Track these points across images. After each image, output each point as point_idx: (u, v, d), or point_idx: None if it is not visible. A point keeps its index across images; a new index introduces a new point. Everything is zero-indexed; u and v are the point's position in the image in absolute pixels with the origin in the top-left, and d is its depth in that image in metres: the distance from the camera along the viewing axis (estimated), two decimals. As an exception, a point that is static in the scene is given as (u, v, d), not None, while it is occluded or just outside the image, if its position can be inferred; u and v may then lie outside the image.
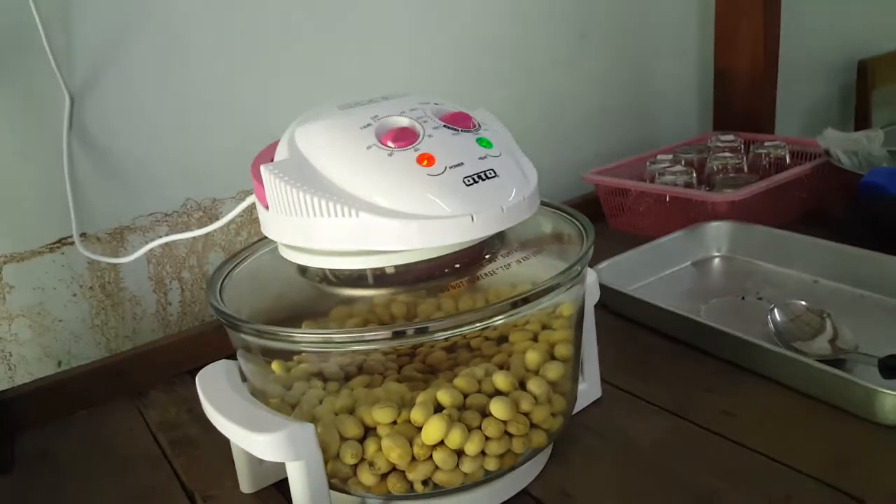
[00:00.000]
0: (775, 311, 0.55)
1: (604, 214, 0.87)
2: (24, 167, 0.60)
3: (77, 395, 0.58)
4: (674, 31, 1.06)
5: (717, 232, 0.72)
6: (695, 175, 0.80)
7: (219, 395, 0.40)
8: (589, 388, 0.50)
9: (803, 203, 0.80)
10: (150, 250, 0.67)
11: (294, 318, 0.43)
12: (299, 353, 0.39)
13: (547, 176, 0.92)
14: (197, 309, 0.71)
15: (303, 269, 0.42)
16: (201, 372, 0.42)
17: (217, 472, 0.47)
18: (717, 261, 0.72)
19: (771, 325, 0.55)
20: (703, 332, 0.54)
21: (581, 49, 0.94)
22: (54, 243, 0.63)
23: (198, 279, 0.70)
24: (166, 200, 0.68)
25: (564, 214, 0.46)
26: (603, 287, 0.62)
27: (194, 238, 0.70)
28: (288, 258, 0.41)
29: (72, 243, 0.63)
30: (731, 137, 0.87)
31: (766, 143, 0.85)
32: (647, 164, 0.85)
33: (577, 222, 0.44)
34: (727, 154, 0.83)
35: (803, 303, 0.55)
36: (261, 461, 0.45)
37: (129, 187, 0.66)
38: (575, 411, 0.49)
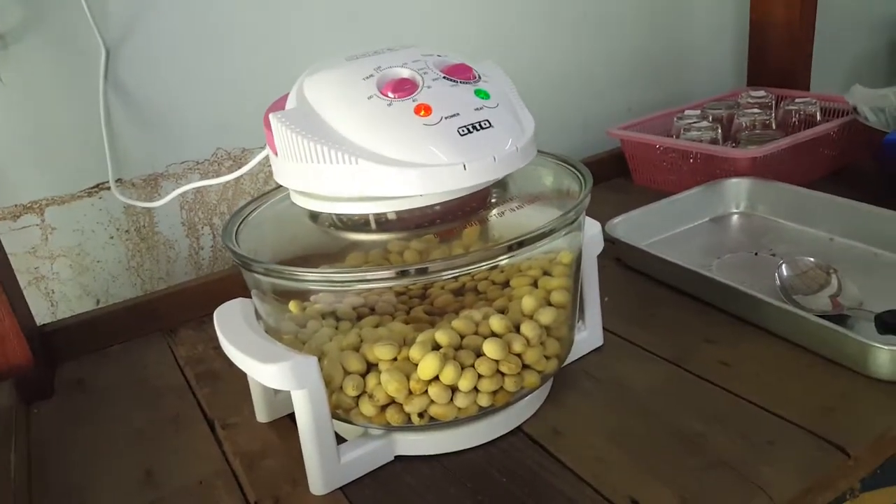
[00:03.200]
0: (783, 266, 0.56)
1: (628, 170, 0.87)
2: (63, 116, 0.64)
3: (113, 330, 0.62)
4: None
5: (737, 188, 0.72)
6: (720, 131, 0.79)
7: (233, 329, 0.43)
8: (590, 336, 0.52)
9: (831, 161, 0.79)
10: (183, 198, 0.71)
11: (307, 261, 0.45)
12: (305, 291, 0.42)
13: (576, 131, 0.94)
14: (227, 254, 0.75)
15: (314, 215, 0.45)
16: (219, 308, 0.45)
17: (236, 403, 0.51)
18: (735, 217, 0.72)
19: (777, 280, 0.55)
20: (708, 286, 0.55)
21: (613, 3, 0.93)
22: (92, 188, 0.67)
23: (227, 225, 0.74)
24: (198, 149, 0.71)
25: (566, 165, 0.47)
26: (617, 241, 0.64)
27: (224, 185, 0.73)
28: (298, 204, 0.43)
29: (108, 188, 0.66)
30: (762, 93, 0.86)
31: (797, 100, 0.83)
32: (675, 119, 0.85)
33: (578, 173, 0.45)
34: (756, 110, 0.81)
35: (811, 259, 0.56)
36: (275, 393, 0.49)
37: (163, 136, 0.69)
38: (575, 358, 0.51)
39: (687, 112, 0.85)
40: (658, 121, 0.87)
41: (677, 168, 0.79)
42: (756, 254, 0.64)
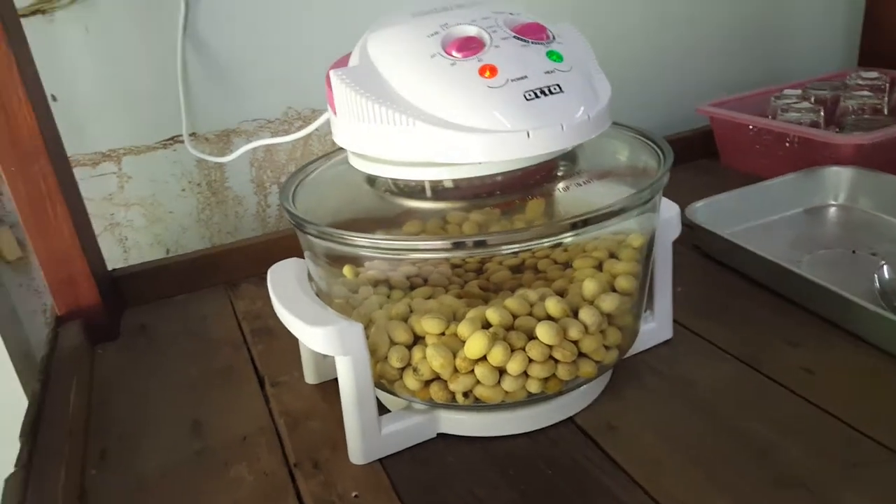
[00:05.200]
0: (884, 267, 0.50)
1: (717, 151, 0.81)
2: (143, 67, 0.64)
3: (178, 280, 0.64)
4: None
5: (837, 178, 0.65)
6: (823, 114, 0.72)
7: (284, 289, 0.42)
8: (658, 328, 0.49)
9: (952, 154, 0.70)
10: (253, 155, 0.71)
11: (363, 225, 0.44)
12: (356, 256, 0.40)
13: (661, 106, 0.88)
14: (293, 213, 0.75)
15: (371, 179, 0.43)
16: (273, 267, 0.45)
17: (287, 363, 0.51)
18: (832, 209, 0.66)
19: (877, 282, 0.50)
20: (795, 283, 0.50)
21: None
22: (167, 140, 0.68)
23: (294, 185, 0.73)
24: (269, 108, 0.71)
25: (644, 140, 0.43)
26: (696, 227, 0.59)
27: (293, 145, 0.73)
28: (354, 166, 0.41)
29: (182, 141, 0.67)
30: (874, 75, 0.77)
31: (917, 83, 0.75)
32: (772, 99, 0.78)
33: (657, 148, 0.42)
34: (866, 93, 0.74)
35: (920, 262, 0.50)
36: (324, 356, 0.48)
37: (237, 93, 0.69)
38: (639, 350, 0.48)
39: (786, 91, 0.78)
40: (753, 99, 0.81)
41: (771, 152, 0.73)
42: (854, 252, 0.58)
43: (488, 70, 0.33)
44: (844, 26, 0.97)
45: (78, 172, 0.63)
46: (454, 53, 0.34)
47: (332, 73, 0.37)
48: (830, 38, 0.98)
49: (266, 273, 0.45)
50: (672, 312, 0.49)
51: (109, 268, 0.63)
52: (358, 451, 0.40)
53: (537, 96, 0.33)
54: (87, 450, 0.45)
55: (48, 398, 0.47)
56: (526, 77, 0.34)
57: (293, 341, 0.51)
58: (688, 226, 0.58)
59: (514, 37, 0.35)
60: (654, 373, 0.46)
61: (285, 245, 0.66)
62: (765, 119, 0.74)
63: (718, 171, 0.80)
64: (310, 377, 0.49)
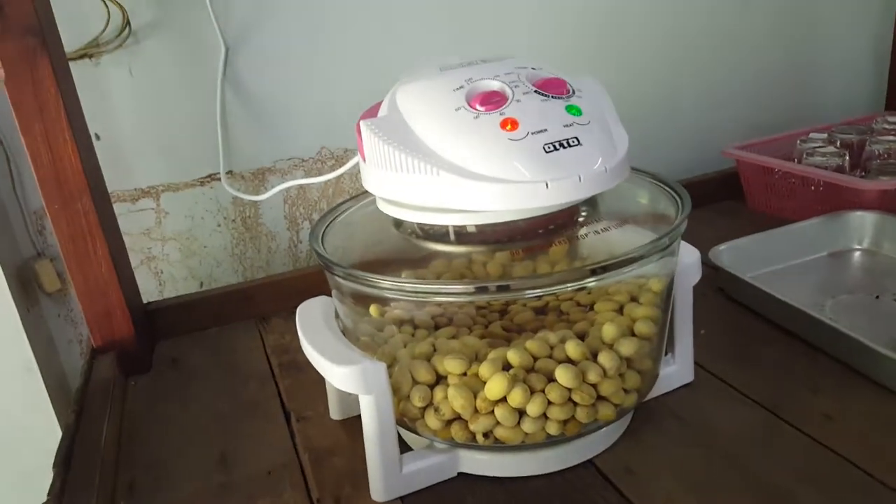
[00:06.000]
0: (909, 315, 0.50)
1: (743, 193, 0.82)
2: (183, 108, 0.68)
3: (211, 313, 0.65)
4: (850, -1, 0.95)
5: (861, 222, 0.65)
6: (848, 159, 0.72)
7: (312, 327, 0.43)
8: (679, 371, 0.49)
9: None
10: (287, 192, 0.74)
11: (391, 265, 0.45)
12: (382, 297, 0.42)
13: (689, 147, 0.89)
14: (322, 249, 0.77)
15: (397, 222, 0.45)
16: (302, 304, 0.46)
17: (314, 398, 0.52)
18: (857, 254, 0.66)
19: (901, 330, 0.50)
20: (817, 329, 0.50)
21: (743, 16, 0.88)
22: (205, 178, 0.70)
23: (324, 222, 0.76)
24: (304, 147, 0.73)
25: (663, 186, 0.44)
26: (720, 270, 0.60)
27: (325, 183, 0.75)
28: (381, 209, 0.43)
29: (219, 179, 0.70)
30: (901, 119, 0.78)
31: (944, 128, 0.75)
32: (798, 142, 0.78)
33: (675, 195, 0.43)
34: (891, 138, 0.74)
35: (945, 310, 0.50)
36: (349, 393, 0.49)
37: (273, 132, 0.71)
38: (660, 393, 0.48)
39: (812, 135, 0.79)
40: (779, 142, 0.81)
41: (797, 195, 0.73)
42: (877, 297, 0.58)
43: (510, 123, 0.35)
44: (872, 70, 0.98)
45: (118, 208, 0.65)
46: (478, 107, 0.36)
47: (362, 123, 0.39)
48: (858, 82, 0.98)
49: (296, 308, 0.47)
50: (693, 355, 0.49)
51: (145, 299, 0.65)
52: (379, 488, 0.41)
53: (556, 149, 0.35)
54: (116, 481, 0.46)
55: (81, 430, 0.48)
56: (546, 130, 0.35)
57: (319, 376, 0.52)
58: (713, 268, 0.59)
59: (536, 91, 0.37)
60: (674, 416, 0.46)
61: (315, 281, 0.68)
62: (790, 163, 0.75)
63: (744, 212, 0.81)
64: (335, 413, 0.50)
